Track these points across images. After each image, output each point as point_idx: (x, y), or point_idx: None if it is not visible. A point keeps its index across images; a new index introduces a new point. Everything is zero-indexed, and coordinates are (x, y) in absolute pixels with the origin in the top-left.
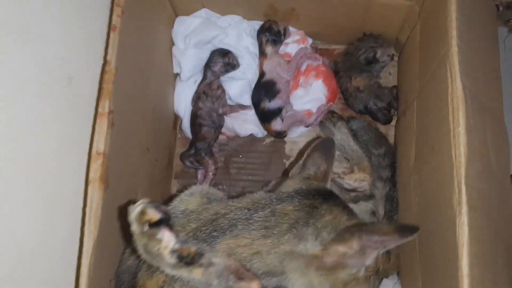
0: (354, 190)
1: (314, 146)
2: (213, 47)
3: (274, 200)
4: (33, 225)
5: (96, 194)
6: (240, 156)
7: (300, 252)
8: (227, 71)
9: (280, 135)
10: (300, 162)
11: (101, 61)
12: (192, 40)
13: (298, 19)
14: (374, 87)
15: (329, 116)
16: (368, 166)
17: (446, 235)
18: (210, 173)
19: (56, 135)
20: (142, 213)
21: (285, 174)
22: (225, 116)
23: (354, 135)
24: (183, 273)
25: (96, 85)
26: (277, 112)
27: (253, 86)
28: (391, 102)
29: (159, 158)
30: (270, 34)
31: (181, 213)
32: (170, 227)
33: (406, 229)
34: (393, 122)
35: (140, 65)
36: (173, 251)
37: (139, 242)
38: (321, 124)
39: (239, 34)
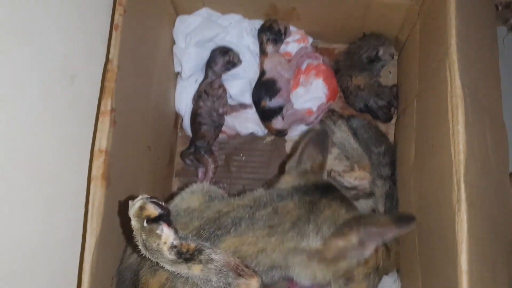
0: (354, 188)
1: (308, 139)
2: (214, 45)
3: (275, 197)
4: (36, 222)
5: (98, 191)
6: (241, 155)
7: (303, 248)
8: (228, 69)
9: (280, 134)
10: (296, 155)
11: (103, 60)
12: (193, 39)
13: (299, 18)
14: (374, 85)
15: (329, 114)
16: (368, 164)
17: (445, 232)
18: (210, 172)
19: (59, 133)
20: (142, 208)
21: (282, 167)
22: (226, 115)
23: (354, 133)
24: (182, 269)
25: (98, 84)
26: (277, 110)
27: (253, 84)
28: (391, 101)
29: (160, 156)
30: (271, 33)
31: (183, 211)
32: (169, 223)
33: (403, 220)
34: (393, 121)
35: (141, 64)
36: (172, 247)
37: (139, 238)
38: (322, 122)
39: (239, 33)
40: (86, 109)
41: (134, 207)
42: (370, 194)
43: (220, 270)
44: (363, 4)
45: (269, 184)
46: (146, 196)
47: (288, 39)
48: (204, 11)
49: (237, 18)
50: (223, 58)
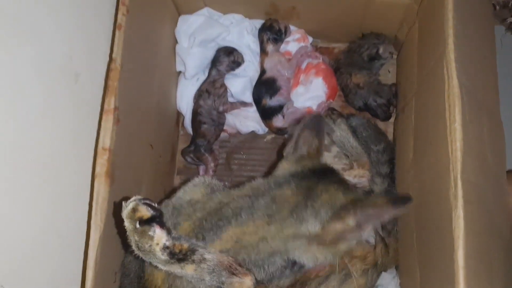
0: (353, 186)
1: (304, 125)
2: (217, 45)
3: (272, 185)
4: (41, 219)
5: (102, 188)
6: (242, 153)
7: (302, 233)
8: (232, 69)
9: (281, 132)
10: (292, 141)
11: (106, 59)
12: (196, 39)
13: (299, 18)
14: (374, 84)
15: (329, 113)
16: (367, 162)
17: (442, 228)
18: (210, 170)
19: (63, 131)
20: (134, 210)
21: (280, 152)
22: (226, 113)
23: (354, 131)
24: (175, 269)
25: (101, 82)
26: (278, 109)
27: (254, 83)
28: (390, 99)
29: (162, 154)
30: (271, 33)
31: (186, 203)
32: (162, 224)
33: (400, 200)
34: (392, 119)
35: (144, 63)
36: (164, 248)
37: (132, 239)
38: None
39: (240, 32)
40: (89, 107)
41: (127, 208)
42: (369, 192)
43: (213, 269)
44: (362, 4)
45: (268, 171)
46: (139, 197)
47: (288, 38)
48: (205, 11)
49: (238, 18)
50: (228, 58)
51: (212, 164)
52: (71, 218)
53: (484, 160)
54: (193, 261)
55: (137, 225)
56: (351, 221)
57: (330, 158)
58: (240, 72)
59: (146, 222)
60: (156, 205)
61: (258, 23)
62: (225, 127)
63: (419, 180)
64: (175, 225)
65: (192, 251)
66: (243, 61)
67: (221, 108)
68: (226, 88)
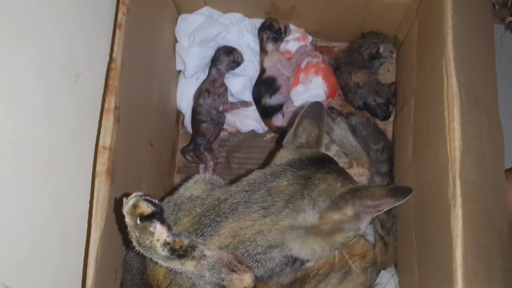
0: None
1: (303, 113)
2: (217, 44)
3: (268, 176)
4: (42, 217)
5: (102, 187)
6: (241, 152)
7: (299, 224)
8: (232, 68)
9: (281, 131)
10: (292, 130)
11: (107, 58)
12: (196, 38)
13: (299, 17)
14: (373, 83)
15: (328, 112)
16: (367, 161)
17: (441, 226)
18: (209, 168)
19: (64, 130)
20: (135, 206)
21: (279, 141)
22: (226, 113)
23: (353, 130)
24: (175, 265)
25: (102, 82)
26: (278, 108)
27: (254, 82)
28: (389, 99)
29: (162, 153)
30: (271, 32)
31: (187, 199)
32: (163, 220)
33: (399, 192)
34: (391, 118)
35: (144, 62)
36: (165, 244)
37: (132, 235)
38: None
39: (240, 32)
40: (90, 106)
41: (127, 204)
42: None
43: (213, 266)
44: (362, 3)
45: (267, 159)
46: (140, 193)
47: (288, 38)
48: (205, 10)
49: (237, 17)
50: (228, 58)
51: (211, 163)
52: (71, 216)
53: (483, 159)
54: (193, 258)
55: (138, 221)
56: (349, 211)
57: None
58: (240, 71)
59: (147, 218)
60: (156, 201)
61: (258, 22)
62: (225, 126)
63: (418, 179)
64: (176, 220)
65: (193, 247)
66: (242, 60)
67: (220, 108)
68: (226, 88)
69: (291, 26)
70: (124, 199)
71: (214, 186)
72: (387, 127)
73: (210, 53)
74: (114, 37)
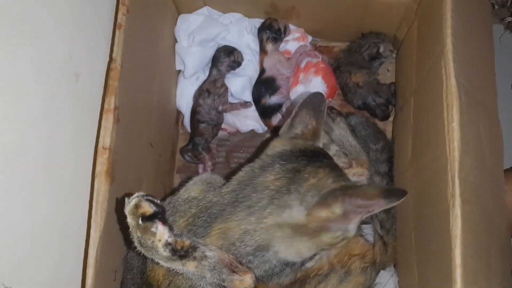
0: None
1: (302, 103)
2: (216, 44)
3: (256, 170)
4: (41, 218)
5: (102, 187)
6: (241, 152)
7: (285, 221)
8: (233, 68)
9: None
10: (289, 120)
11: (107, 59)
12: (196, 38)
13: (298, 17)
14: (373, 83)
15: (328, 112)
16: (366, 161)
17: (440, 227)
18: (208, 168)
19: (64, 130)
20: (137, 206)
21: (276, 131)
22: (226, 113)
23: (353, 130)
24: (176, 265)
25: (102, 82)
26: (277, 107)
27: (253, 82)
28: (389, 99)
29: (162, 153)
30: (271, 32)
31: (183, 200)
32: (164, 221)
33: (393, 193)
34: (391, 118)
35: (144, 62)
36: (166, 244)
37: (134, 235)
38: None
39: (240, 31)
40: (90, 107)
41: (129, 204)
42: None
43: (214, 266)
44: (361, 3)
45: (260, 148)
46: (142, 193)
47: (288, 38)
48: (205, 10)
49: (237, 17)
50: (229, 58)
51: (209, 163)
52: (71, 216)
53: (482, 159)
54: (195, 258)
55: (140, 221)
56: (337, 209)
57: None
58: (240, 71)
59: (149, 219)
60: (158, 201)
61: (258, 22)
62: (224, 126)
63: (418, 179)
64: (173, 222)
65: (194, 248)
66: (242, 59)
67: (220, 108)
68: (226, 88)
69: (291, 26)
70: (126, 199)
71: (210, 187)
72: (387, 127)
73: (210, 53)
74: (114, 37)
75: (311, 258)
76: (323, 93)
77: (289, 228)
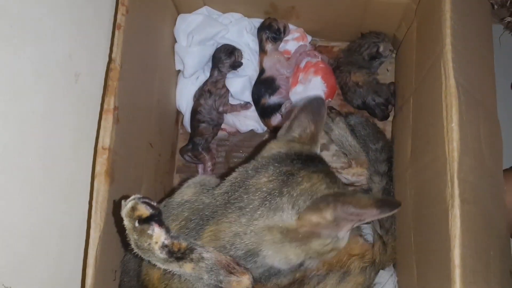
0: (351, 184)
1: (301, 106)
2: (216, 43)
3: (250, 172)
4: (41, 218)
5: (102, 187)
6: (241, 151)
7: (276, 224)
8: (234, 68)
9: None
10: (287, 122)
11: (106, 59)
12: (195, 37)
13: (298, 17)
14: (373, 83)
15: (327, 112)
16: (366, 161)
17: (439, 227)
18: (208, 168)
19: (63, 130)
20: (133, 209)
21: (275, 132)
22: (226, 114)
23: (352, 130)
24: (174, 267)
25: (101, 82)
26: (276, 107)
27: (253, 82)
28: (388, 98)
29: (161, 153)
30: (270, 32)
31: (177, 204)
32: (161, 223)
33: (386, 204)
34: (390, 118)
35: (144, 62)
36: (163, 246)
37: (131, 237)
38: None
39: (239, 31)
40: (89, 107)
41: (126, 207)
42: (367, 191)
43: (211, 268)
44: (361, 3)
45: (257, 149)
46: (138, 196)
47: (287, 37)
48: (204, 10)
49: (237, 17)
50: (230, 59)
51: (209, 163)
52: (71, 217)
53: (481, 159)
54: (192, 260)
55: (136, 224)
56: (329, 215)
57: (328, 156)
58: (240, 71)
59: (145, 221)
60: (155, 203)
61: (257, 22)
62: (224, 126)
63: (417, 179)
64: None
65: (191, 249)
66: (242, 57)
67: (221, 109)
68: (227, 89)
69: (291, 26)
70: (122, 201)
71: (204, 189)
72: (386, 126)
73: (209, 52)
74: (113, 37)
75: (299, 266)
76: (323, 93)
77: (278, 232)
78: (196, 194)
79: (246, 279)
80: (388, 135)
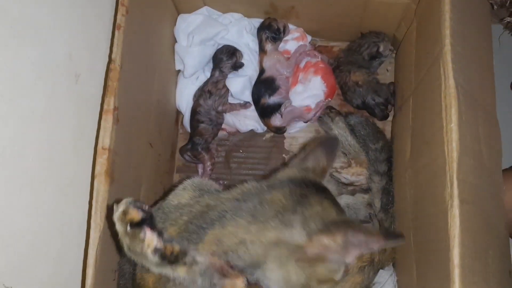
0: (351, 184)
1: (319, 142)
2: (216, 43)
3: (265, 187)
4: (42, 218)
5: (102, 187)
6: (241, 151)
7: (284, 240)
8: (235, 69)
9: (279, 131)
10: (302, 153)
11: (106, 59)
12: (195, 37)
13: (298, 17)
14: (372, 82)
15: (327, 111)
16: (365, 161)
17: (438, 227)
18: (207, 168)
19: (63, 131)
20: (125, 213)
21: (277, 132)
22: (225, 113)
23: (352, 130)
24: (167, 271)
25: (101, 83)
26: (276, 107)
27: (253, 82)
28: (388, 98)
29: (161, 153)
30: (270, 32)
31: (174, 207)
32: (153, 227)
33: (392, 235)
34: (390, 118)
35: (144, 63)
36: (155, 250)
37: (123, 241)
38: (320, 119)
39: (239, 31)
40: (89, 107)
41: (117, 211)
42: (366, 190)
43: (204, 271)
44: (361, 3)
45: (268, 175)
46: (130, 200)
47: (287, 37)
48: (205, 10)
49: (237, 17)
50: (231, 60)
51: (209, 163)
52: (71, 217)
53: (480, 160)
54: (185, 263)
55: (128, 228)
56: (339, 239)
57: None
58: (240, 71)
59: (137, 225)
60: (147, 207)
61: (257, 22)
62: (224, 126)
63: (416, 179)
64: (163, 229)
65: (184, 253)
66: (242, 58)
67: (220, 108)
68: (227, 89)
69: (290, 26)
70: (114, 205)
71: (203, 192)
72: (386, 126)
73: (209, 52)
74: (113, 38)
75: None
76: (323, 93)
77: (286, 248)
78: (195, 197)
79: (240, 282)
80: (388, 135)
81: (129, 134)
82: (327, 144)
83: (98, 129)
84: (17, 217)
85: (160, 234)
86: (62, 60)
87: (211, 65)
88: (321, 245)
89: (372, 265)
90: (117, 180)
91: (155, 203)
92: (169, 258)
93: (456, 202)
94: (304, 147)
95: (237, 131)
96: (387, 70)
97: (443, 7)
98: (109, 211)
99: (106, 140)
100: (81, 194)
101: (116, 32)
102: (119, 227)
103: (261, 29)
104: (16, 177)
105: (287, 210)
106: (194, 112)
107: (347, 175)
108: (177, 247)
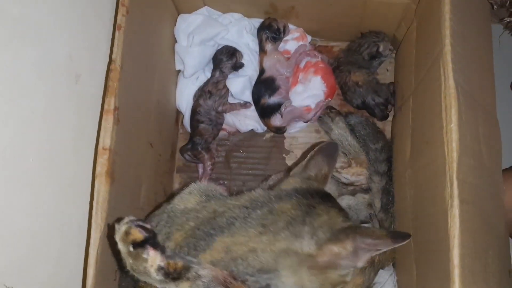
0: (351, 184)
1: (319, 149)
2: (216, 44)
3: (272, 198)
4: (42, 218)
5: (102, 188)
6: (241, 151)
7: (295, 250)
8: (236, 70)
9: (279, 131)
10: (303, 162)
11: (107, 60)
12: (195, 37)
13: (298, 17)
14: (372, 82)
15: (327, 111)
16: (365, 161)
17: (438, 227)
18: (207, 168)
19: (64, 131)
20: (127, 233)
21: (287, 171)
22: (225, 113)
23: (352, 130)
24: (171, 287)
25: (102, 83)
26: (276, 108)
27: (253, 82)
28: (388, 98)
29: (162, 153)
30: (270, 32)
31: (180, 212)
32: (156, 245)
33: (399, 235)
34: (390, 118)
35: (144, 63)
36: (159, 269)
37: (126, 261)
38: (320, 119)
39: (239, 31)
40: (90, 107)
41: (119, 231)
42: (366, 190)
43: (208, 285)
44: (361, 3)
45: (272, 185)
46: (131, 218)
47: (287, 37)
48: (205, 10)
49: (237, 17)
50: (231, 60)
51: (209, 163)
52: (72, 217)
53: (480, 160)
54: (188, 279)
55: (131, 248)
56: (349, 245)
57: None
58: (240, 71)
59: (140, 245)
60: (149, 226)
61: (257, 22)
62: (224, 126)
63: (416, 179)
64: (168, 234)
65: (187, 268)
66: (242, 58)
67: (220, 108)
68: (228, 90)
69: (290, 26)
70: (115, 225)
71: (210, 198)
72: (386, 126)
73: (210, 53)
74: (114, 38)
75: None
76: (323, 93)
77: (296, 257)
78: (201, 203)
79: None
80: (388, 135)
81: (130, 134)
82: (327, 150)
83: (99, 129)
84: (17, 217)
85: (163, 251)
86: (63, 60)
87: (211, 65)
88: (331, 254)
89: (373, 266)
90: (118, 180)
91: (157, 204)
92: (173, 275)
93: (456, 202)
94: (304, 155)
95: (237, 131)
96: (387, 70)
97: (443, 7)
98: (111, 231)
99: (106, 140)
100: (81, 194)
101: (117, 32)
102: (121, 247)
103: (261, 29)
104: (16, 177)
105: (296, 221)
106: (194, 112)
107: (347, 175)
108: (180, 263)
